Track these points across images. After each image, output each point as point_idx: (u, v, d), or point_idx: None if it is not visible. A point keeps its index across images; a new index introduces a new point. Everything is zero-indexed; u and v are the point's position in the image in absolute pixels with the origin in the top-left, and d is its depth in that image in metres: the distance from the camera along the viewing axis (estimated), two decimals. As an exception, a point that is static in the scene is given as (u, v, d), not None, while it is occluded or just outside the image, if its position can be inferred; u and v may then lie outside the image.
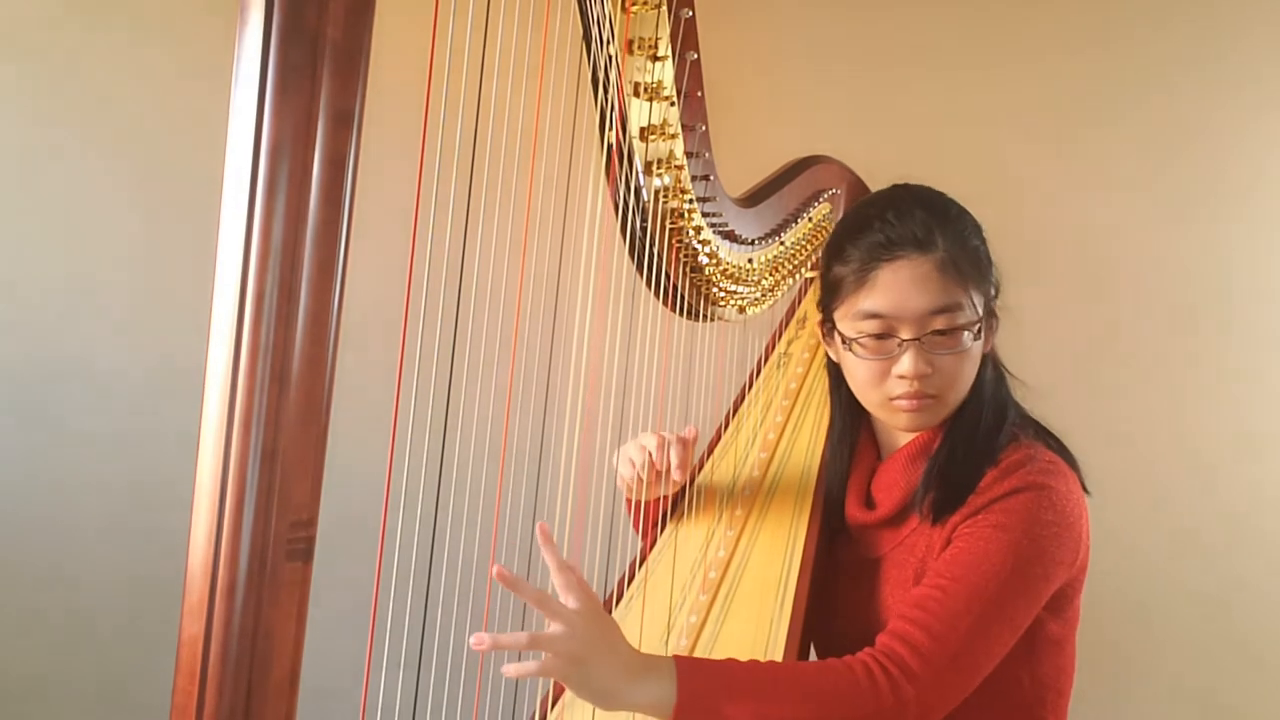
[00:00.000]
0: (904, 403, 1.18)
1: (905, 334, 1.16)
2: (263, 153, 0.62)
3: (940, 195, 1.23)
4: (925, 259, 1.15)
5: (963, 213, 1.22)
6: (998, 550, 1.10)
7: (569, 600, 0.98)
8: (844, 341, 1.21)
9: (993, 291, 1.22)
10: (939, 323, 1.15)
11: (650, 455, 1.30)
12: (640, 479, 1.32)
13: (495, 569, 0.92)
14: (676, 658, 1.01)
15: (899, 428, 1.25)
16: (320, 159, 0.64)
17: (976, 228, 1.22)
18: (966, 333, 1.16)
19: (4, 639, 2.28)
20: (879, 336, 1.17)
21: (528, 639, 0.94)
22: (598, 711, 1.14)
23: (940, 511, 1.18)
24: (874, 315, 1.16)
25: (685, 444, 1.32)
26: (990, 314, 1.21)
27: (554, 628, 0.96)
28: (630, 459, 1.34)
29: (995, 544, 1.11)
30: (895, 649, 1.06)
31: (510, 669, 0.94)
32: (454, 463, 0.92)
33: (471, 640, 0.90)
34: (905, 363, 1.16)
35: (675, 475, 1.30)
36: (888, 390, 1.19)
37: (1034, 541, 1.11)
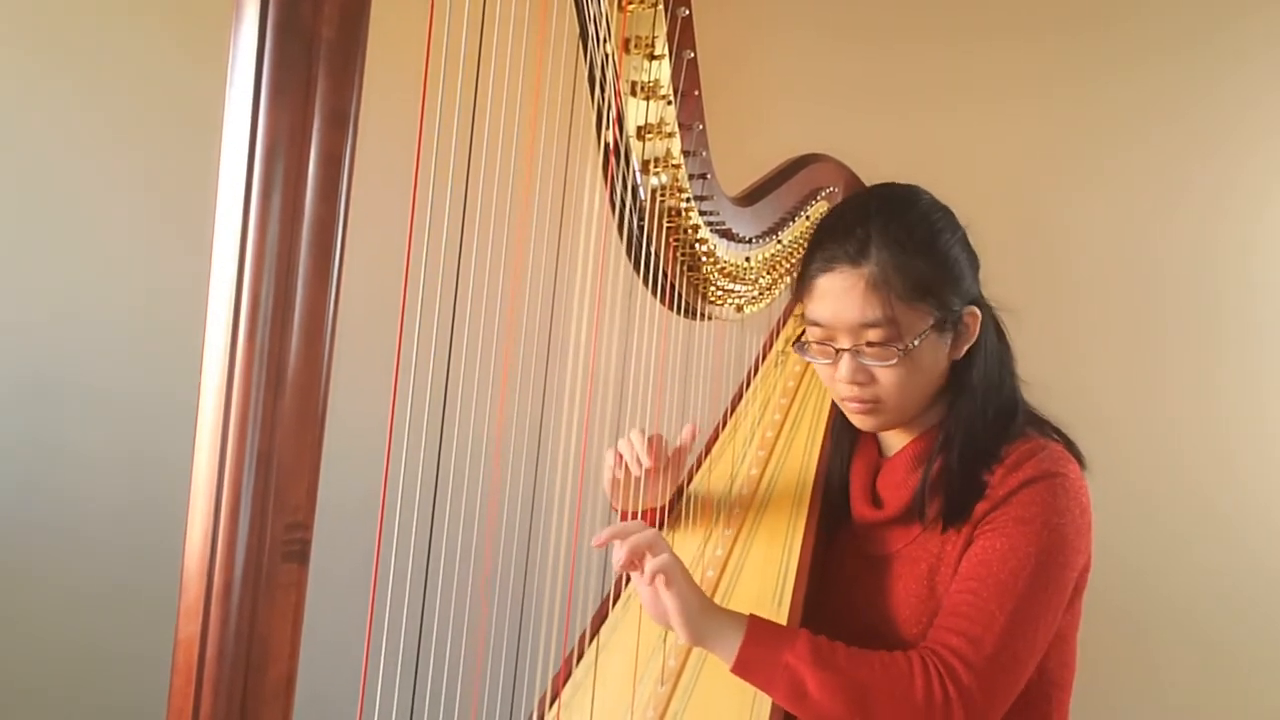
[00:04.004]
0: (851, 405, 1.22)
1: (842, 343, 1.18)
2: (258, 152, 0.62)
3: (904, 200, 1.22)
4: (854, 272, 1.16)
5: (927, 220, 1.20)
6: (1021, 544, 1.12)
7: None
8: (803, 341, 1.24)
9: (959, 298, 1.19)
10: (872, 335, 1.16)
11: (633, 451, 1.31)
12: (618, 482, 1.32)
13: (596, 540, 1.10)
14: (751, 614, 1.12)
15: (858, 426, 1.28)
16: (316, 158, 0.63)
17: (943, 235, 1.20)
18: (895, 347, 1.16)
19: (5, 652, 2.27)
20: (822, 343, 1.20)
21: (654, 534, 1.09)
22: (596, 712, 1.14)
23: (950, 521, 1.18)
24: (814, 322, 1.20)
25: (679, 452, 1.34)
26: (955, 322, 1.19)
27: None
28: (611, 463, 1.34)
29: (1017, 538, 1.12)
30: (944, 656, 1.08)
31: (636, 555, 1.08)
32: (451, 462, 0.91)
33: (594, 541, 1.10)
34: (840, 369, 1.19)
35: (646, 462, 1.30)
36: (836, 391, 1.23)
37: (1054, 530, 1.12)
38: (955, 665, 1.07)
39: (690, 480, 1.45)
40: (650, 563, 1.08)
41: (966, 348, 1.22)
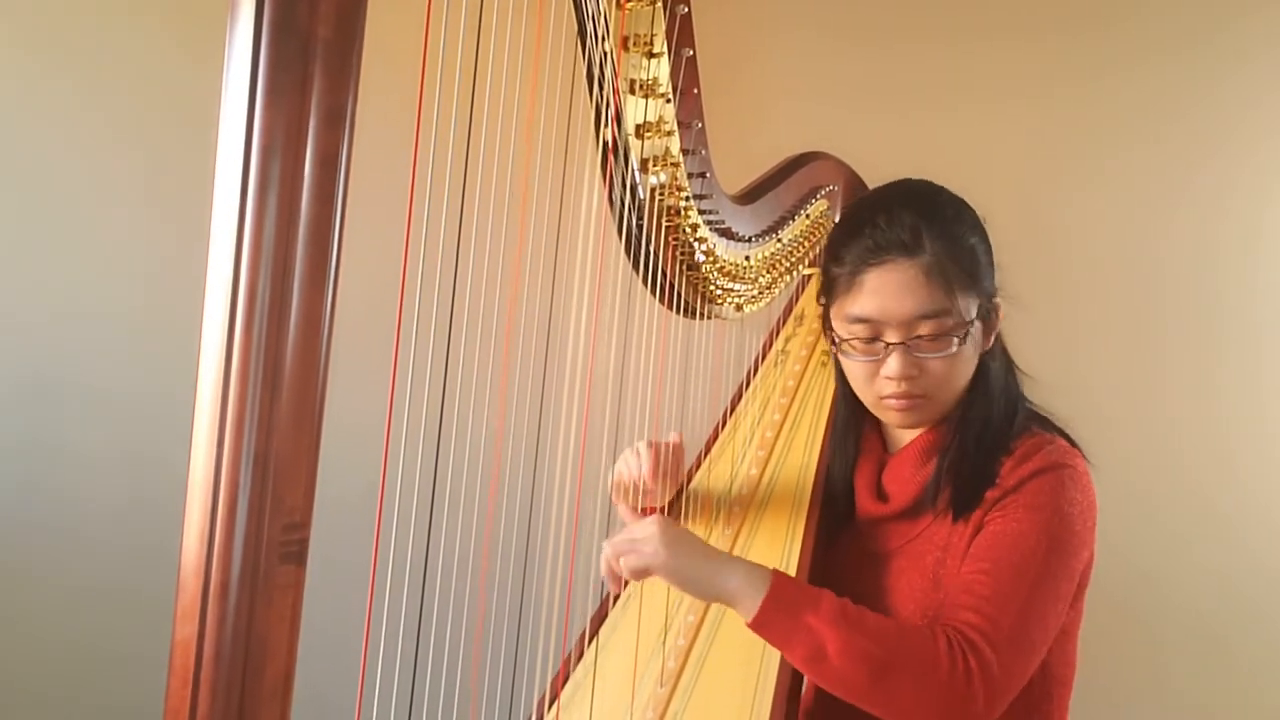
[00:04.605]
0: (893, 402, 1.19)
1: (891, 337, 1.17)
2: (253, 152, 0.62)
3: (936, 194, 1.23)
4: (912, 264, 1.15)
5: (960, 212, 1.21)
6: (1032, 530, 1.11)
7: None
8: (836, 341, 1.22)
9: (991, 288, 1.21)
10: (925, 328, 1.15)
11: (639, 465, 1.30)
12: (626, 489, 1.32)
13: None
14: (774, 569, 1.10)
15: (892, 424, 1.26)
16: (312, 158, 0.63)
17: (974, 226, 1.21)
18: (954, 337, 1.16)
19: (5, 652, 2.27)
20: (867, 340, 1.18)
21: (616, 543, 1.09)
22: (595, 712, 1.14)
23: (960, 509, 1.18)
24: (861, 319, 1.17)
25: (678, 453, 1.33)
26: (988, 312, 1.21)
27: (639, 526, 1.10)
28: (621, 469, 1.34)
29: (1029, 524, 1.12)
30: (965, 631, 1.06)
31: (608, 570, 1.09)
32: (449, 462, 0.91)
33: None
34: (891, 365, 1.17)
35: (649, 485, 1.30)
36: (878, 389, 1.20)
37: (1064, 519, 1.12)
38: (976, 640, 1.05)
39: (690, 480, 1.45)
40: (623, 573, 1.08)
41: (992, 337, 1.23)
